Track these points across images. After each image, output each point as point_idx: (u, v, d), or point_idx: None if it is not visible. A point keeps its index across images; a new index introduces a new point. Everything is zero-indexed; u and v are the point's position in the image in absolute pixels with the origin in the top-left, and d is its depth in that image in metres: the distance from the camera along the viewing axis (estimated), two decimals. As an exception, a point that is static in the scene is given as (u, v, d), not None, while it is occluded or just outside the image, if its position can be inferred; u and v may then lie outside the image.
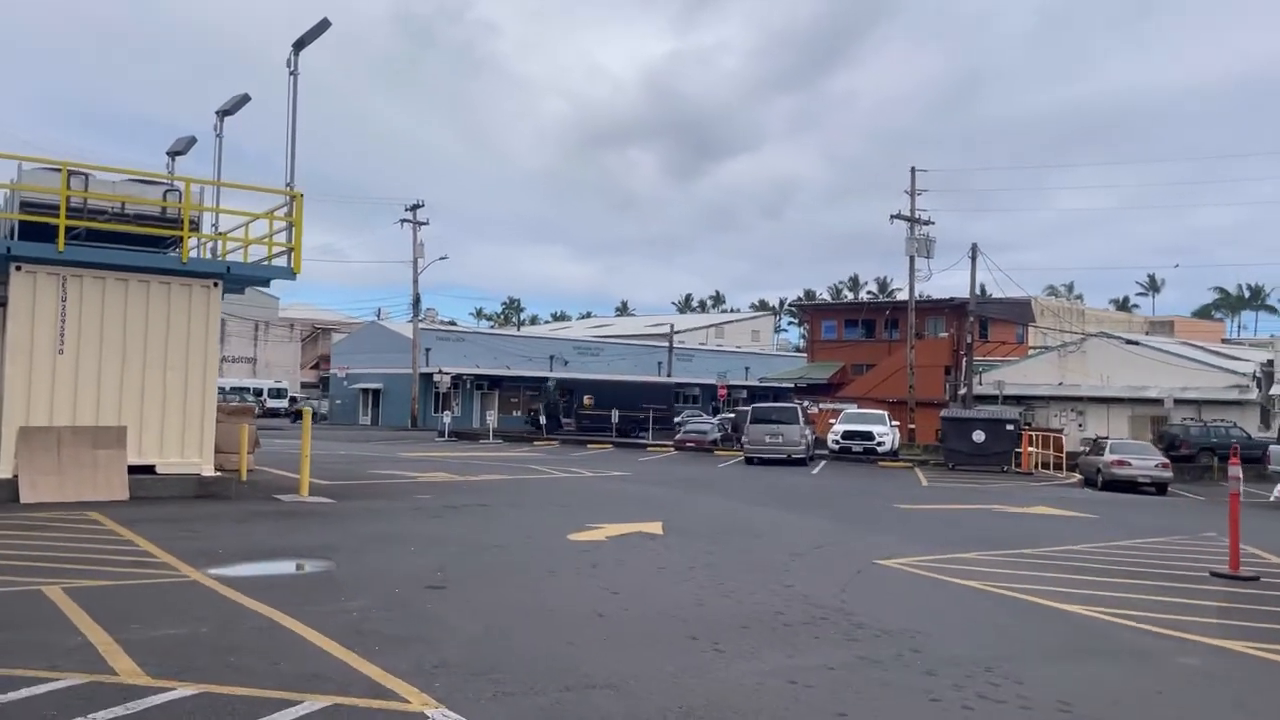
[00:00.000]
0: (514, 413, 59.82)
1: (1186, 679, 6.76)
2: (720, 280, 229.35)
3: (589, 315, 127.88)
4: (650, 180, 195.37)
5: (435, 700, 5.61)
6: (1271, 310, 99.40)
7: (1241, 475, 12.54)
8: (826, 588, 9.66)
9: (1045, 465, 31.06)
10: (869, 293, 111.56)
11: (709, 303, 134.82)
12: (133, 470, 15.51)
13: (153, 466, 15.98)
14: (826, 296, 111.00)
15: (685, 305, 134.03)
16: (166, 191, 16.74)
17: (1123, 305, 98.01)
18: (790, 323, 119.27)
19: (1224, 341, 64.56)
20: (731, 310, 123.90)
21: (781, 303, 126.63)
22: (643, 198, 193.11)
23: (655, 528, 13.85)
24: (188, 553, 10.50)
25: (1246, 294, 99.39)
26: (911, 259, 45.82)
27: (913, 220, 45.92)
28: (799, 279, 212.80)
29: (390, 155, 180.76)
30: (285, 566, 10.36)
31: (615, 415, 47.96)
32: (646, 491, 20.03)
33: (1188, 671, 6.94)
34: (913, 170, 47.09)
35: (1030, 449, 30.57)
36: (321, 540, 11.84)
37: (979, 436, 29.68)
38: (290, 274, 16.68)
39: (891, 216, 45.90)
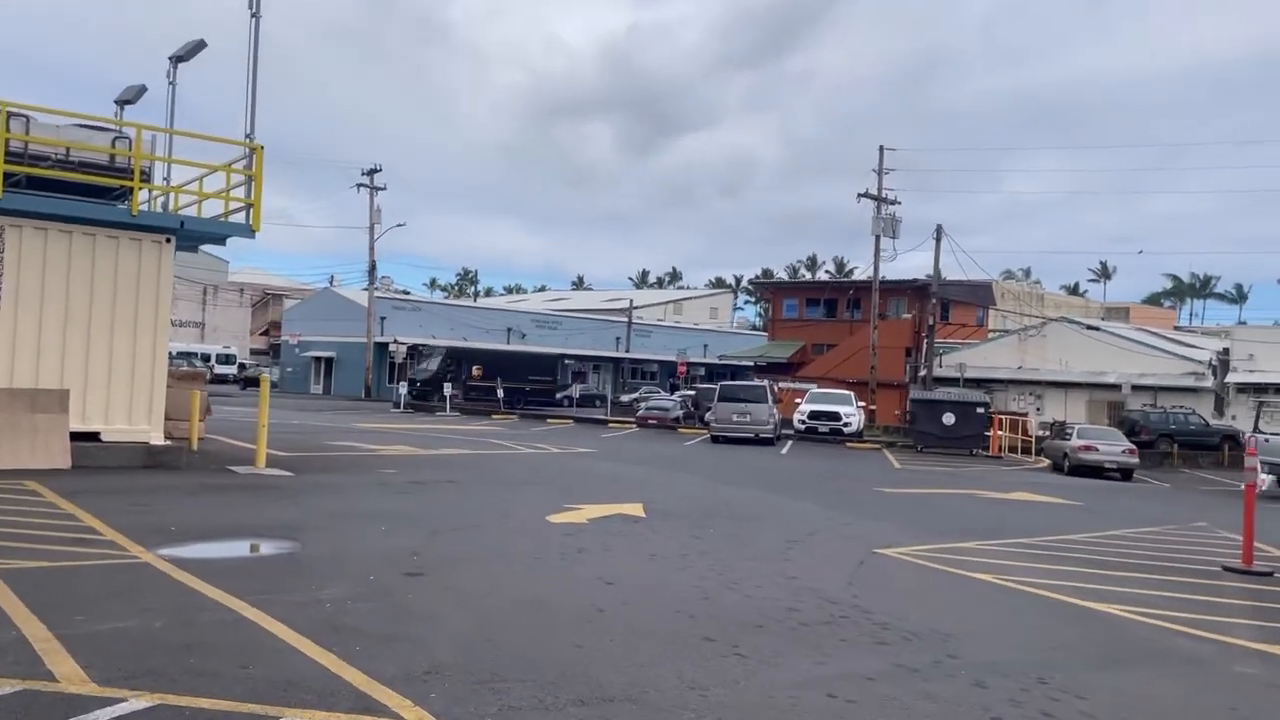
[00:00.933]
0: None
1: (1255, 692, 6.20)
2: (676, 257, 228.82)
3: (544, 289, 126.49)
4: (607, 155, 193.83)
5: (432, 716, 4.83)
6: (1221, 299, 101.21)
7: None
8: (833, 580, 9.02)
9: (1013, 449, 30.90)
10: (827, 272, 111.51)
11: (666, 279, 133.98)
12: (76, 437, 14.40)
13: (98, 433, 14.89)
14: (784, 276, 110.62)
15: (642, 281, 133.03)
16: (115, 139, 15.54)
17: (1074, 291, 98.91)
18: (747, 301, 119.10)
19: (1176, 329, 65.41)
20: (689, 287, 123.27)
21: (738, 281, 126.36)
22: (599, 172, 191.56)
23: (636, 509, 13.13)
24: (137, 529, 9.56)
25: (1198, 283, 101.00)
26: (878, 238, 45.49)
27: (880, 199, 45.55)
28: (756, 258, 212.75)
29: (343, 122, 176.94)
30: (246, 547, 9.46)
31: (525, 387, 47.74)
32: (618, 470, 19.30)
33: (1249, 682, 6.38)
34: (881, 149, 46.69)
35: (999, 433, 30.37)
36: (283, 517, 10.94)
37: (949, 419, 29.38)
38: (249, 232, 15.60)
39: (859, 195, 45.50)
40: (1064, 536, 12.93)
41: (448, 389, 46.43)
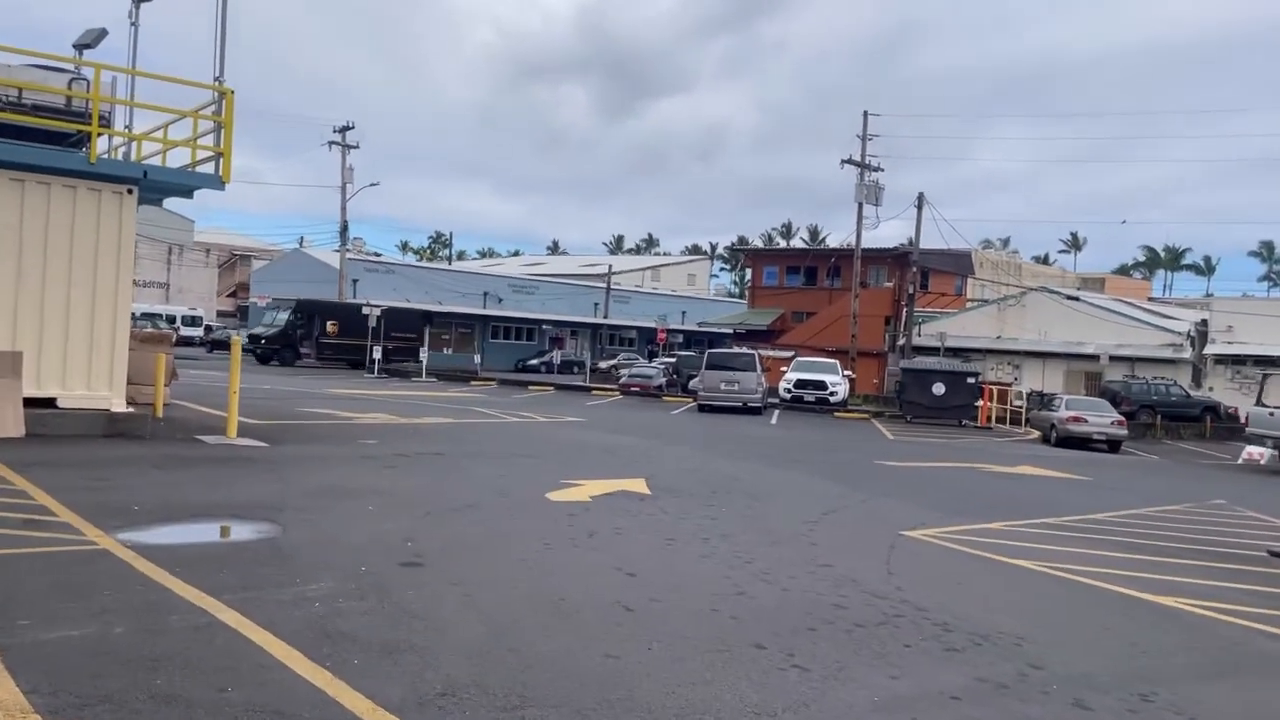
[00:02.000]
0: (444, 350, 57.35)
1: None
2: (651, 223, 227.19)
3: (518, 253, 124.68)
4: (580, 118, 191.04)
5: (458, 758, 3.92)
6: (1193, 270, 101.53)
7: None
8: (869, 569, 8.20)
9: (1000, 420, 30.37)
10: (802, 240, 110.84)
11: (642, 246, 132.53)
12: (30, 404, 13.23)
13: (53, 399, 13.72)
14: (759, 243, 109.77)
15: (617, 247, 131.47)
16: (72, 80, 14.26)
17: (1044, 261, 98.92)
18: (723, 268, 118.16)
19: (1150, 300, 65.37)
20: (665, 254, 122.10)
21: (713, 248, 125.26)
22: (573, 136, 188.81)
23: (639, 485, 12.25)
24: (95, 509, 8.51)
25: (1172, 254, 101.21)
26: (860, 205, 44.67)
27: (863, 166, 44.69)
28: (731, 225, 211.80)
29: (311, 80, 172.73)
30: (220, 531, 8.46)
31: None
32: (610, 441, 18.39)
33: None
34: (865, 115, 45.75)
35: (989, 404, 29.81)
36: (260, 495, 9.92)
37: (939, 389, 28.75)
38: (218, 183, 14.38)
39: (842, 161, 44.62)
40: (1088, 516, 12.23)
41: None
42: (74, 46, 19.31)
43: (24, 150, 13.32)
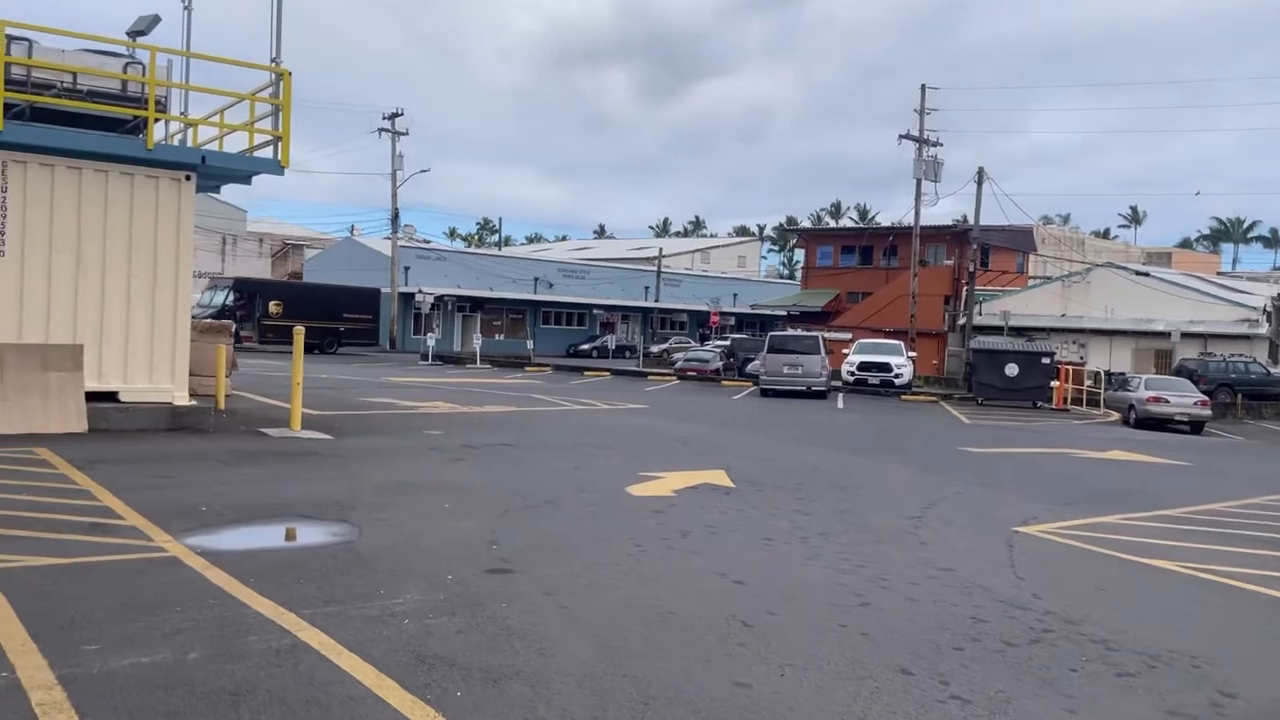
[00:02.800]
0: (496, 336, 57.07)
1: None
2: (697, 205, 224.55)
3: (565, 238, 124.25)
4: (624, 102, 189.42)
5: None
6: (1263, 242, 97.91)
7: None
8: (993, 572, 7.46)
9: (1077, 401, 29.20)
10: (851, 219, 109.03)
11: (689, 228, 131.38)
12: (91, 397, 12.89)
13: (115, 393, 13.37)
14: (808, 224, 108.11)
15: (664, 230, 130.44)
16: (128, 64, 13.86)
17: (1104, 237, 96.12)
18: (771, 249, 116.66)
19: (1219, 275, 63.05)
20: (713, 235, 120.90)
21: (760, 229, 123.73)
22: (616, 119, 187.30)
23: (719, 477, 11.58)
24: (161, 510, 8.05)
25: (1239, 226, 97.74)
26: (919, 182, 43.36)
27: (922, 141, 43.32)
28: (777, 206, 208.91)
29: (353, 69, 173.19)
30: (292, 534, 7.94)
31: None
32: (678, 429, 17.73)
33: None
34: (923, 88, 44.31)
35: (1064, 384, 28.65)
36: (330, 492, 9.42)
37: (1012, 370, 27.67)
38: (277, 167, 13.92)
39: (900, 136, 43.30)
40: (1207, 507, 11.32)
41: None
42: (127, 34, 19.01)
43: (80, 137, 12.95)
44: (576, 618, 5.74)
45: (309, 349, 44.04)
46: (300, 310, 41.99)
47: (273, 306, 43.74)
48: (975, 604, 6.46)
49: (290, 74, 13.85)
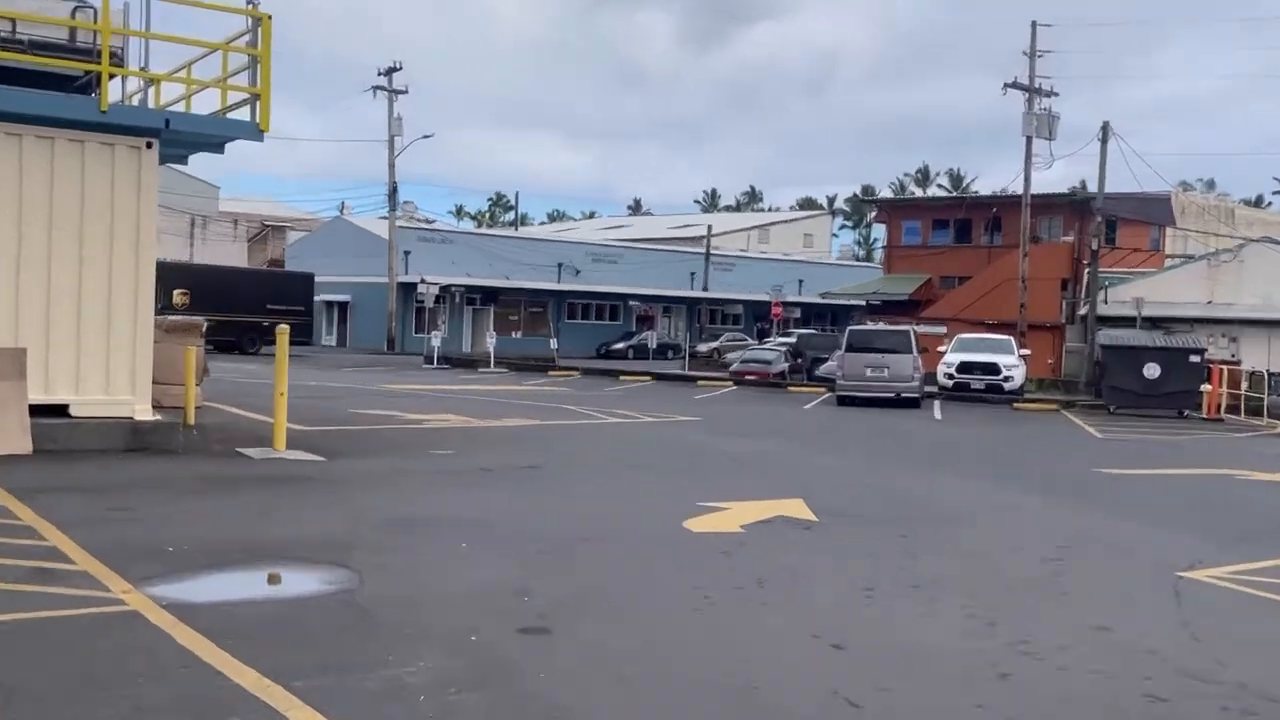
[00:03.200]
0: (513, 333, 57.18)
1: None
2: (752, 174, 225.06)
3: (594, 215, 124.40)
4: (663, 51, 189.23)
5: None
6: None
7: None
8: (1163, 632, 7.06)
9: (1233, 409, 28.45)
10: (941, 187, 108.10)
11: (743, 201, 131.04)
12: (37, 411, 12.88)
13: (66, 406, 13.36)
14: (889, 193, 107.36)
15: (712, 204, 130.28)
16: (76, 9, 13.81)
17: (1257, 205, 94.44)
18: (844, 225, 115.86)
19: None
20: (772, 209, 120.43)
21: (830, 201, 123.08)
22: (654, 73, 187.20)
23: (797, 508, 11.25)
24: (119, 551, 7.91)
25: None
26: (1029, 140, 42.68)
27: (1032, 90, 42.70)
28: (850, 172, 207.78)
29: (343, 17, 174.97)
30: (280, 583, 7.75)
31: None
32: (741, 447, 17.45)
33: None
34: (1033, 25, 43.85)
35: (1219, 388, 27.90)
36: (324, 529, 9.25)
37: (1152, 371, 27.01)
38: (256, 131, 13.81)
39: (1005, 85, 42.76)
40: None
41: None
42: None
43: (19, 97, 12.89)
44: (635, 693, 5.46)
45: (227, 348, 44.02)
46: (212, 301, 39.87)
47: (178, 296, 41.70)
48: (1145, 676, 6.07)
49: (270, 18, 13.74)
